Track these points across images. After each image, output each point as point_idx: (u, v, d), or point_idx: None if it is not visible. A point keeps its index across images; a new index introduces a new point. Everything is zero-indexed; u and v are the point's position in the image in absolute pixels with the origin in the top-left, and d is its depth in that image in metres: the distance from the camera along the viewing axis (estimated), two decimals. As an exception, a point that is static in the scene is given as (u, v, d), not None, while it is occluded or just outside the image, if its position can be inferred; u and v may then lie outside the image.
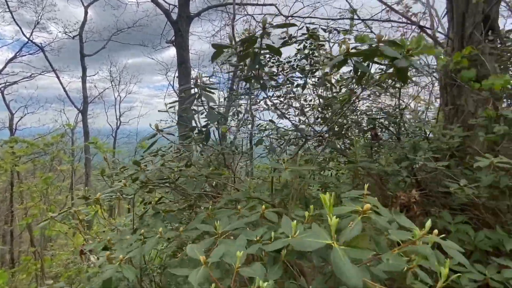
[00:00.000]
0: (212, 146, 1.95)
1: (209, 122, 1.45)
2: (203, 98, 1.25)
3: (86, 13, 15.71)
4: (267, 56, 3.01)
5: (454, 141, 2.42)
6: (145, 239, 1.09)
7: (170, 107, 1.55)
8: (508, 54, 3.12)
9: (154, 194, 2.21)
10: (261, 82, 1.30)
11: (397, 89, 3.21)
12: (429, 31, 4.03)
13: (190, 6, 10.54)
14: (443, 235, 0.82)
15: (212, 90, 1.50)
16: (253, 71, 1.24)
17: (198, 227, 1.08)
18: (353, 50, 1.22)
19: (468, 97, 2.85)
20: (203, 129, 1.56)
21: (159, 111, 1.56)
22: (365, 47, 1.21)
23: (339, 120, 3.17)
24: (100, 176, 2.12)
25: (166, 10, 10.60)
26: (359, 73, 1.09)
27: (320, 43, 3.07)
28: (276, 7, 10.11)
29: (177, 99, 1.51)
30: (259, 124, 2.68)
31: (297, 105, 3.34)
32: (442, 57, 2.70)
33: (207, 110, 1.29)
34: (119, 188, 1.34)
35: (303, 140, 1.97)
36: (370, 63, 1.16)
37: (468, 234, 1.75)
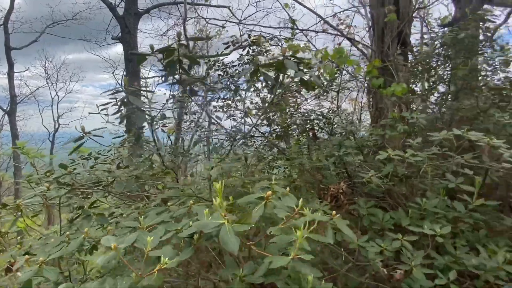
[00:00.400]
0: (146, 148, 1.98)
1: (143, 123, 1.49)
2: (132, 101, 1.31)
3: (12, 0, 13.75)
4: (211, 60, 3.12)
5: (373, 139, 2.85)
6: (70, 240, 1.10)
7: (102, 109, 1.55)
8: (419, 66, 3.75)
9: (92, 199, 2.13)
10: (188, 88, 1.41)
11: (335, 93, 3.63)
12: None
13: (138, 2, 10.01)
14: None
15: (147, 93, 1.55)
16: (174, 77, 1.34)
17: (127, 224, 1.13)
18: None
19: (388, 101, 3.37)
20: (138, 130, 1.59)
21: (89, 113, 1.54)
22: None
23: (282, 120, 3.44)
24: (31, 185, 1.96)
25: (111, 4, 9.89)
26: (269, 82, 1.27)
27: (262, 49, 3.29)
28: (229, 9, 10.19)
29: (110, 101, 1.51)
30: (200, 125, 2.77)
31: (242, 107, 3.51)
32: (359, 66, 3.13)
33: (136, 112, 1.34)
34: (41, 193, 1.29)
35: (233, 140, 2.12)
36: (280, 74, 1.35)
37: (378, 216, 2.10)
